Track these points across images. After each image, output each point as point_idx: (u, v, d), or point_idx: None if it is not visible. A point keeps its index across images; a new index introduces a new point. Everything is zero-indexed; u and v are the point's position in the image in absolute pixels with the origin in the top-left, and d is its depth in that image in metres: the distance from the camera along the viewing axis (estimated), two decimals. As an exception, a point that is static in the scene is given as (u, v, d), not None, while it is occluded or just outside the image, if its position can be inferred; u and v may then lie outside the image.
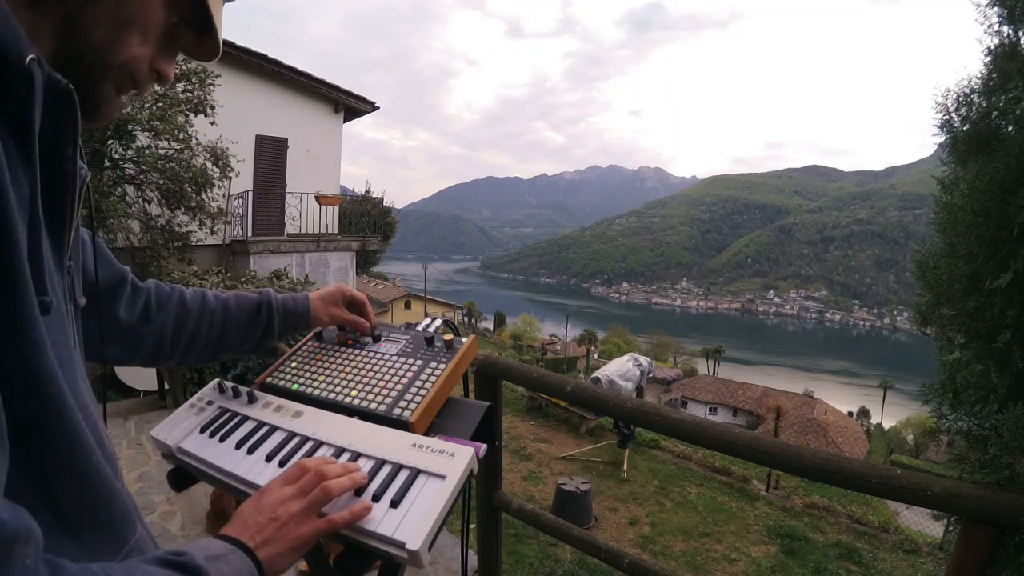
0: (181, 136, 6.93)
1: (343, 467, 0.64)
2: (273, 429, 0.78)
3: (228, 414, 0.82)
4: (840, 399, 49.44)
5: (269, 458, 0.73)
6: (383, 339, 0.98)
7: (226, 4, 0.62)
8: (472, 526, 1.44)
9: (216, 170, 7.49)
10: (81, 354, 0.56)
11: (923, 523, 9.09)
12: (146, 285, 0.81)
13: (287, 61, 11.09)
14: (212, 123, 7.43)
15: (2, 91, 0.41)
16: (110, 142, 6.73)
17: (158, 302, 0.82)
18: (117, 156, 6.92)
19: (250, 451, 0.75)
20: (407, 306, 34.12)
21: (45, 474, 0.44)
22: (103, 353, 0.74)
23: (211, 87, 7.30)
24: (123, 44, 0.50)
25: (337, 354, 0.95)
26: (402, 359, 0.91)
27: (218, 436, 0.78)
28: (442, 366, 0.88)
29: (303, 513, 0.58)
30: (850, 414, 38.33)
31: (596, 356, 40.95)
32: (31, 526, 0.37)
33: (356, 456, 0.71)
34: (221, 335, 0.88)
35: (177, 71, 7.04)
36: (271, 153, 10.67)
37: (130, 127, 6.60)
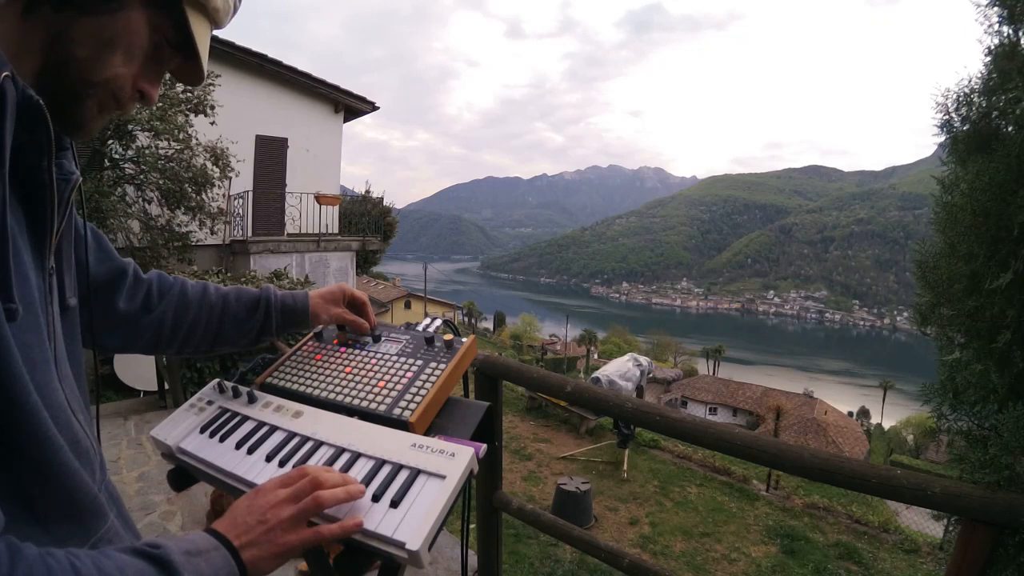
0: (181, 136, 6.92)
1: (342, 478, 0.63)
2: (273, 429, 0.78)
3: (228, 414, 0.82)
4: (840, 399, 49.42)
5: (269, 458, 0.73)
6: (383, 339, 0.98)
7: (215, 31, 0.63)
8: (472, 526, 1.44)
9: (216, 170, 7.48)
10: (65, 352, 0.58)
11: (923, 523, 9.09)
12: (148, 276, 0.84)
13: (287, 61, 11.09)
14: (212, 123, 7.42)
15: None
16: (110, 142, 6.73)
17: (160, 292, 0.84)
18: (117, 156, 6.91)
19: (250, 451, 0.75)
20: (407, 306, 34.12)
21: (11, 466, 0.46)
22: (102, 342, 0.76)
23: (211, 87, 7.29)
24: (105, 63, 0.52)
25: (337, 354, 0.95)
26: (402, 359, 0.91)
27: (218, 436, 0.78)
28: (442, 366, 0.88)
29: (291, 520, 0.57)
30: (850, 414, 38.32)
31: (596, 356, 40.95)
32: None
33: (356, 456, 0.71)
34: (219, 327, 0.90)
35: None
36: (271, 153, 10.67)
37: (130, 127, 6.60)
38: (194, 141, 7.22)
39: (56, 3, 0.49)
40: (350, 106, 11.89)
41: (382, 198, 15.16)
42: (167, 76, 0.62)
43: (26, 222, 0.51)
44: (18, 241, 0.48)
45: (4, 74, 0.43)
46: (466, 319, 61.93)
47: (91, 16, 0.50)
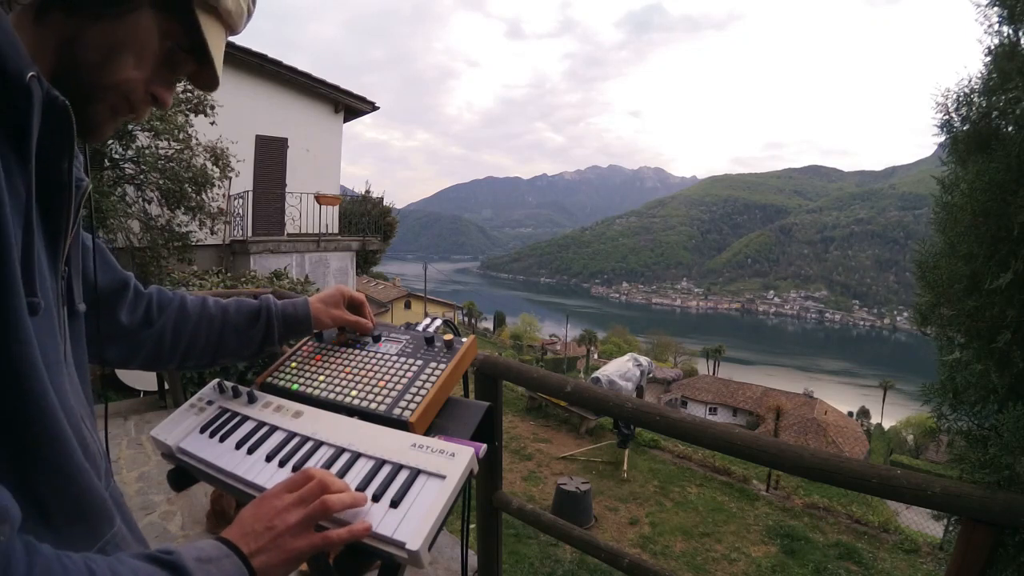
0: (181, 136, 6.94)
1: (345, 484, 0.63)
2: (273, 429, 0.78)
3: (228, 414, 0.82)
4: (840, 399, 49.41)
5: (269, 458, 0.73)
6: (383, 339, 0.98)
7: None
8: (472, 526, 1.44)
9: (216, 170, 7.49)
10: (72, 357, 0.58)
11: (923, 523, 9.09)
12: (148, 290, 0.83)
13: (287, 61, 11.09)
14: (212, 123, 7.43)
15: (3, 104, 0.43)
16: (110, 142, 6.73)
17: (159, 306, 0.83)
18: (117, 156, 6.92)
19: (250, 451, 0.75)
20: (407, 306, 34.10)
21: (26, 465, 0.46)
22: (104, 355, 0.76)
23: (211, 87, 7.30)
24: (117, 66, 0.52)
25: (337, 354, 0.95)
26: (402, 359, 0.91)
27: (218, 436, 0.78)
28: (442, 366, 0.88)
29: (300, 525, 0.57)
30: (850, 414, 38.32)
31: (596, 356, 40.97)
32: (8, 505, 0.38)
33: (356, 456, 0.71)
34: (220, 340, 0.89)
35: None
36: (271, 153, 10.67)
37: (130, 127, 6.60)
38: (194, 141, 7.23)
39: (67, 8, 0.49)
40: (350, 106, 11.90)
41: (382, 198, 15.16)
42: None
43: (43, 223, 0.51)
44: (37, 240, 0.48)
45: (31, 74, 0.43)
46: (466, 319, 61.94)
47: (101, 20, 0.50)
